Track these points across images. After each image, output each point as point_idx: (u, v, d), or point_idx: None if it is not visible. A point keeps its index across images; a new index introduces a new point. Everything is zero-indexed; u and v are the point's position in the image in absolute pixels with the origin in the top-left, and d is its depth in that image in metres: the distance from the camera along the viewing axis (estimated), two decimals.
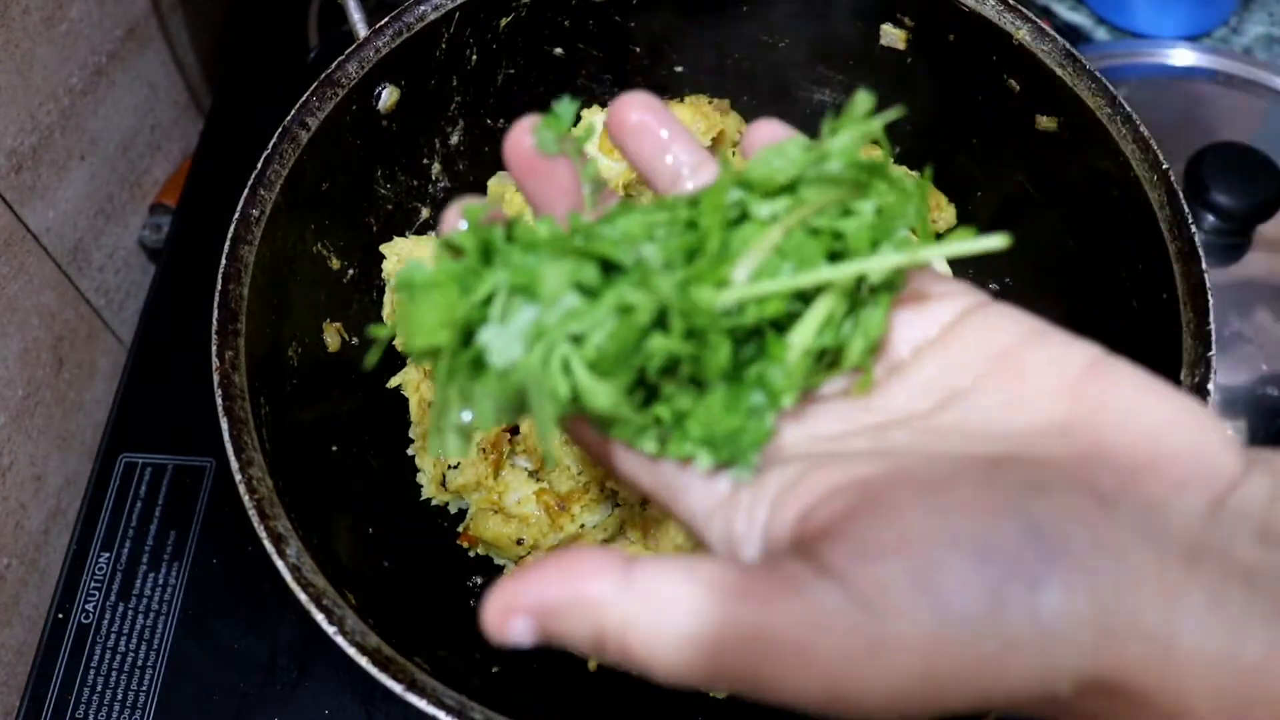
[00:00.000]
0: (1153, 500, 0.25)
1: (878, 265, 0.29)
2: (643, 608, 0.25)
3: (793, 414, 0.30)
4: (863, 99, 0.31)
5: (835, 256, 0.29)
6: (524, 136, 0.33)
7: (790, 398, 0.29)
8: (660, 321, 0.28)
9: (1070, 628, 0.23)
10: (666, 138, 0.35)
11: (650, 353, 0.27)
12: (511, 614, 0.26)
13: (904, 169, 0.68)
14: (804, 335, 0.29)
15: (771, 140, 0.32)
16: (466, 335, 0.28)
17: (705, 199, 0.30)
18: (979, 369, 0.29)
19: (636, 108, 0.34)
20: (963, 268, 0.69)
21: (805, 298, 0.29)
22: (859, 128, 0.31)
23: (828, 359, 0.30)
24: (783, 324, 0.29)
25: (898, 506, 0.25)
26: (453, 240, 0.29)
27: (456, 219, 0.31)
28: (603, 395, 0.27)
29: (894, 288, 0.30)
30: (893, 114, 0.31)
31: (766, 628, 0.24)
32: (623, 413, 0.27)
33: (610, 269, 0.28)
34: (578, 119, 0.34)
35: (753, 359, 0.29)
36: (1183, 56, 0.86)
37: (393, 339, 0.66)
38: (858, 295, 0.30)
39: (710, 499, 0.29)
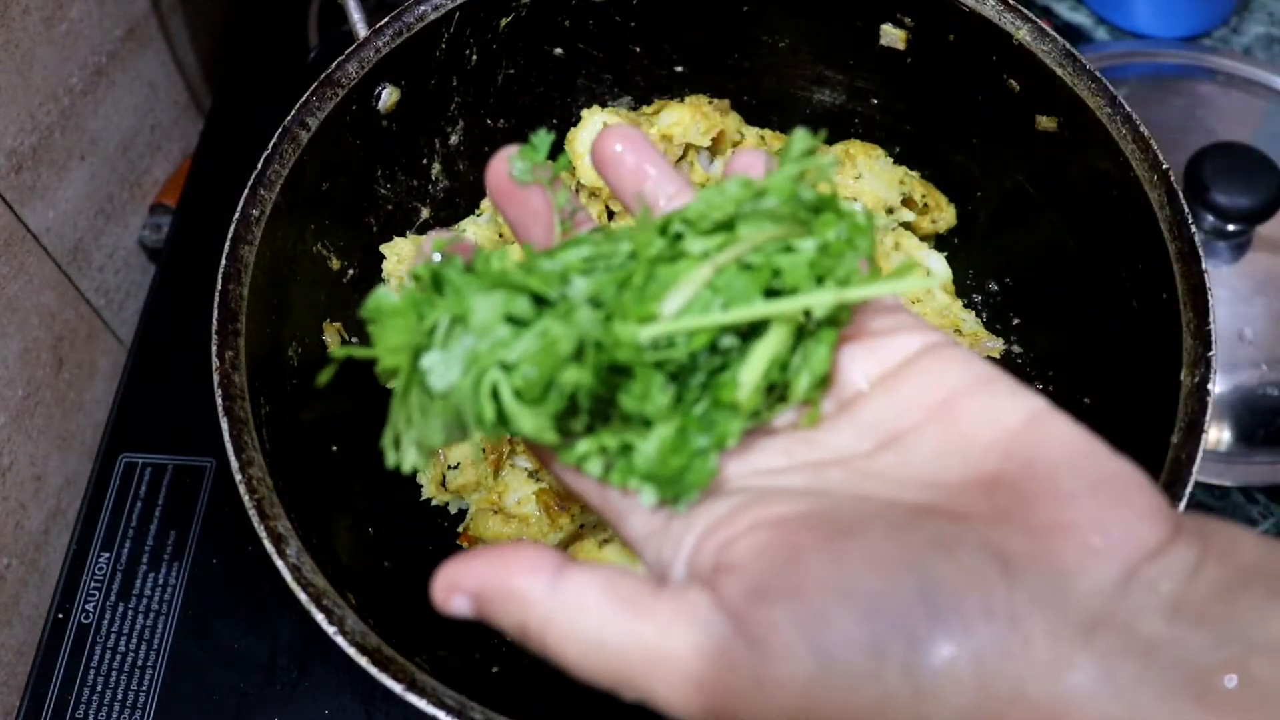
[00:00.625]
0: (1061, 568, 0.25)
1: (808, 302, 0.30)
2: (562, 610, 0.27)
3: (737, 447, 0.31)
4: (801, 137, 0.32)
5: (774, 293, 0.30)
6: (502, 165, 0.36)
7: (735, 439, 0.30)
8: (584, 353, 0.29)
9: (948, 689, 0.24)
10: (645, 169, 0.36)
11: (569, 383, 0.29)
12: (453, 591, 0.29)
13: (904, 169, 0.68)
14: (752, 373, 0.30)
15: (748, 169, 0.34)
16: (419, 359, 0.29)
17: (634, 236, 0.31)
18: (922, 414, 0.29)
19: (618, 139, 0.36)
20: (964, 269, 0.69)
21: (744, 334, 0.30)
22: (797, 165, 0.31)
23: (775, 394, 0.31)
24: (727, 364, 0.30)
25: (802, 551, 0.26)
26: (415, 271, 0.31)
27: (429, 250, 0.33)
28: (527, 420, 0.29)
29: (838, 323, 0.31)
30: (832, 158, 0.32)
31: (661, 649, 0.26)
32: (546, 438, 0.29)
33: (544, 301, 0.30)
34: (556, 151, 0.35)
35: (697, 396, 0.30)
36: (1183, 56, 0.86)
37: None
38: (804, 330, 0.31)
39: (648, 526, 0.30)
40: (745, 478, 0.30)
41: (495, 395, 0.29)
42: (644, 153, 0.36)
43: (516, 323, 0.29)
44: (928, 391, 0.30)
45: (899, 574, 0.25)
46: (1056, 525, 0.26)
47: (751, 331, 0.30)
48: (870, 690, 0.24)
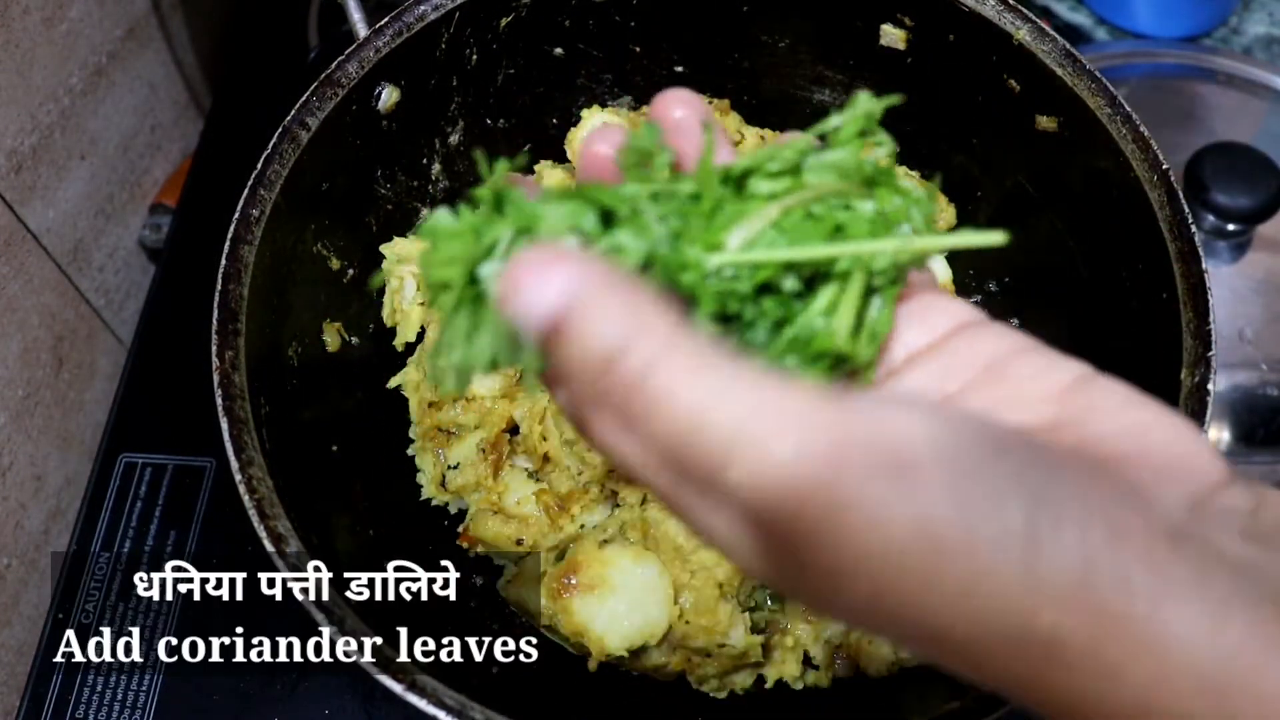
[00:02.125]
0: (1138, 484, 0.25)
1: (875, 248, 0.30)
2: (676, 359, 0.23)
3: None
4: (864, 98, 0.32)
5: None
6: (602, 147, 0.33)
7: None
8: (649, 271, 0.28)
9: (1054, 571, 0.23)
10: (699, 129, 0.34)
11: None
12: (540, 283, 0.24)
13: (904, 169, 0.68)
14: (845, 318, 0.30)
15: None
16: (474, 276, 0.28)
17: (699, 166, 0.30)
18: (969, 377, 0.30)
19: (680, 105, 0.34)
20: (964, 268, 0.69)
21: (808, 280, 0.30)
22: (860, 121, 0.32)
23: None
24: (789, 317, 0.30)
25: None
26: (478, 193, 0.29)
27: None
28: None
29: (897, 284, 0.31)
30: (893, 99, 0.32)
31: (758, 426, 0.22)
32: None
33: (610, 223, 0.29)
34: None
35: (765, 350, 0.30)
36: (1183, 56, 0.86)
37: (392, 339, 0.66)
38: (868, 289, 0.31)
39: None
40: None
41: None
42: (705, 118, 0.34)
43: (583, 236, 0.28)
44: (973, 358, 0.30)
45: (1006, 480, 0.23)
46: (1124, 455, 0.26)
47: (814, 279, 0.30)
48: (991, 529, 0.22)
